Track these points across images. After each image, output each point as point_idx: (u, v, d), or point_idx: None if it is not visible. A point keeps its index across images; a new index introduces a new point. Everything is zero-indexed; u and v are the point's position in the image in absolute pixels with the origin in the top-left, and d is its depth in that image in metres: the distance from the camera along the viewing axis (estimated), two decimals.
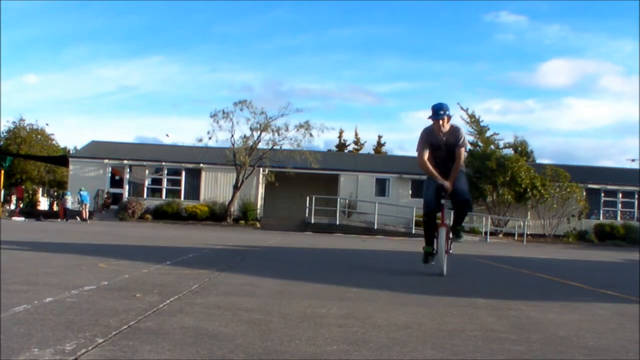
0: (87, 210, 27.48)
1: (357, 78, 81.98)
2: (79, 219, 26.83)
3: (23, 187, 39.29)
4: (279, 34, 79.45)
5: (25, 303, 3.24)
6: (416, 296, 4.57)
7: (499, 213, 30.18)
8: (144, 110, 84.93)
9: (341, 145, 52.61)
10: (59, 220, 27.27)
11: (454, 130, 6.31)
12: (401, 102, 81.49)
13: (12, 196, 38.89)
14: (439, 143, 6.27)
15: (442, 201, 6.30)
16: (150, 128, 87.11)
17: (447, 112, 6.21)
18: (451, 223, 6.62)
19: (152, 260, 6.70)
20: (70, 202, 28.31)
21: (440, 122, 6.18)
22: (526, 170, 29.65)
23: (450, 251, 6.54)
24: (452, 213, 6.63)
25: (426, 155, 6.26)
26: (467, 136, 33.66)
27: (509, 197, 29.49)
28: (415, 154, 6.52)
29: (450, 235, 6.47)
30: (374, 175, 31.86)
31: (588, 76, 79.91)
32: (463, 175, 6.42)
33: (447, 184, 6.17)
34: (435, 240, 6.34)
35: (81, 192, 27.82)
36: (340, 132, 53.27)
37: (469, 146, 8.42)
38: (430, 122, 6.31)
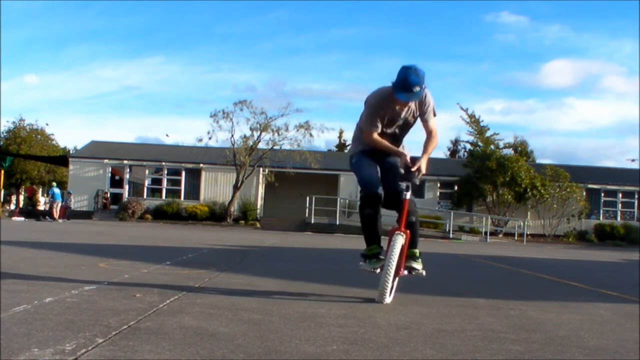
0: (58, 208, 25.63)
1: (358, 78, 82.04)
2: (48, 218, 25.19)
3: (32, 187, 39.39)
4: (281, 34, 79.53)
5: (25, 303, 3.24)
6: (416, 296, 4.57)
7: (499, 213, 30.16)
8: (144, 110, 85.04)
9: (341, 145, 52.62)
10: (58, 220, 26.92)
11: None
12: None
13: (19, 196, 38.97)
14: (395, 117, 4.19)
15: (403, 186, 4.14)
16: (151, 128, 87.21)
17: (422, 90, 3.96)
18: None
19: (152, 260, 6.70)
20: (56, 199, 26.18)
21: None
22: (526, 170, 29.65)
23: (407, 272, 4.38)
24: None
25: (378, 130, 4.19)
26: (467, 136, 34.05)
27: (509, 197, 29.49)
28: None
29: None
30: None
31: (589, 76, 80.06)
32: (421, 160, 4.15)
33: (406, 157, 4.13)
34: (380, 245, 4.30)
35: (53, 189, 26.45)
36: (340, 132, 53.21)
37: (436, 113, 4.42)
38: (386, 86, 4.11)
